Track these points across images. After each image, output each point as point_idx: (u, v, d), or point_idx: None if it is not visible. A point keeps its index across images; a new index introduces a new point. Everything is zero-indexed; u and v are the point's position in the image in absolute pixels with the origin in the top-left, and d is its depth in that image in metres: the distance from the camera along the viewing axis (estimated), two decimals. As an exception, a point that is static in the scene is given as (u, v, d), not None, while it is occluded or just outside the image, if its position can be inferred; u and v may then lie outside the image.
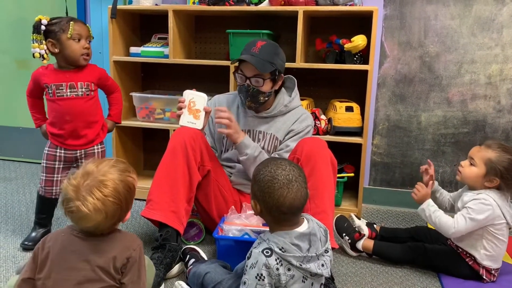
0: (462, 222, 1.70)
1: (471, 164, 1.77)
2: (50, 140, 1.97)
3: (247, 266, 1.25)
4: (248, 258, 1.26)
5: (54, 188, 1.98)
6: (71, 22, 1.86)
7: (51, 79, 1.90)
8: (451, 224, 1.72)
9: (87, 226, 1.12)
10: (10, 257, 1.88)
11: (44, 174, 1.97)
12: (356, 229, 2.03)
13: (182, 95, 1.89)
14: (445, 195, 1.96)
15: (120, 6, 2.50)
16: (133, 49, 2.58)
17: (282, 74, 1.97)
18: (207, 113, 1.88)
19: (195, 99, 1.86)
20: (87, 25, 1.93)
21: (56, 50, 1.87)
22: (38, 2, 3.05)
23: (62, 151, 1.95)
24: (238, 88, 1.97)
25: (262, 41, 1.90)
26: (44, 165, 1.97)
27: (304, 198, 1.27)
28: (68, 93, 1.90)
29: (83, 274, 1.13)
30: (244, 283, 1.24)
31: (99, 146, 2.03)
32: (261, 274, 1.21)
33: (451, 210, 1.90)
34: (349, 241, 1.94)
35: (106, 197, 1.10)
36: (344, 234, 1.96)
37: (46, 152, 1.97)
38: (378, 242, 1.93)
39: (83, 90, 1.92)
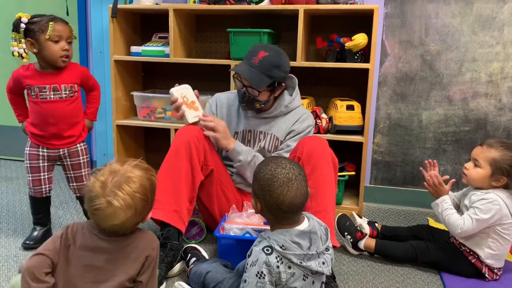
0: (469, 223, 1.70)
1: (476, 166, 1.75)
2: (30, 139, 1.94)
3: (247, 264, 1.25)
4: (249, 256, 1.26)
5: (43, 186, 1.96)
6: (50, 23, 1.79)
7: (34, 81, 1.85)
8: (458, 224, 1.72)
9: (114, 223, 1.11)
10: (12, 256, 1.88)
11: (30, 175, 1.94)
12: (358, 227, 2.03)
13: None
14: (450, 195, 1.95)
15: (120, 6, 2.50)
16: (133, 49, 2.58)
17: (283, 83, 1.96)
18: (198, 97, 1.91)
19: (184, 92, 1.88)
20: (69, 25, 1.88)
21: (34, 50, 1.82)
22: (39, 2, 3.05)
23: (45, 150, 1.93)
24: (237, 90, 1.98)
25: (265, 51, 1.85)
26: (28, 165, 1.93)
27: (304, 196, 1.27)
28: (52, 96, 1.86)
29: (102, 273, 1.13)
30: (245, 281, 1.24)
31: (82, 144, 2.01)
32: (262, 272, 1.21)
33: (456, 209, 1.89)
34: (351, 240, 1.94)
35: (135, 192, 1.11)
36: (346, 233, 1.96)
37: (27, 152, 1.94)
38: (380, 241, 1.93)
39: (67, 92, 1.88)
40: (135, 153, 2.85)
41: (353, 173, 2.44)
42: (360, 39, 2.22)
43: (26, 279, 1.08)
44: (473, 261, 1.75)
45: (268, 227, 1.35)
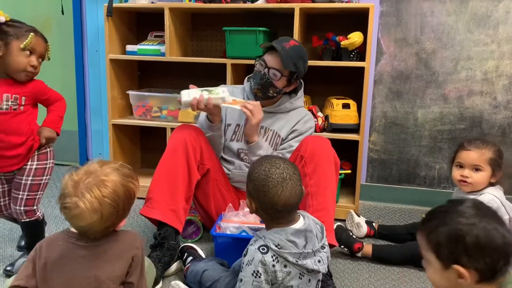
0: None
1: (478, 170, 1.74)
2: None
3: (243, 263, 1.25)
4: (245, 255, 1.27)
5: (4, 212, 1.77)
6: (31, 33, 1.64)
7: None
8: None
9: (80, 225, 1.08)
10: (7, 257, 1.87)
11: None
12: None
13: (178, 93, 1.83)
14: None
15: (116, 4, 2.50)
16: (129, 47, 2.57)
17: (298, 81, 1.99)
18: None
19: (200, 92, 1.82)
20: (48, 44, 1.71)
21: None
22: (34, 1, 3.03)
23: (1, 174, 1.70)
24: (252, 75, 1.97)
25: (295, 41, 1.93)
26: None
27: (299, 195, 1.28)
28: (4, 107, 1.61)
29: (87, 281, 1.10)
30: (241, 280, 1.24)
31: (33, 163, 1.71)
32: (257, 271, 1.22)
33: None
34: (347, 251, 1.92)
35: (104, 197, 1.07)
36: (342, 246, 1.93)
37: None
38: (377, 246, 1.91)
39: (9, 103, 1.62)
40: (131, 152, 2.85)
41: (349, 171, 2.45)
42: (355, 37, 2.22)
43: None
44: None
45: (264, 226, 1.35)
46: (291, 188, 1.26)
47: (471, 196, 1.75)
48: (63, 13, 2.92)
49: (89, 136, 3.09)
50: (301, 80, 2.06)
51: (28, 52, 1.62)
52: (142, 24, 2.78)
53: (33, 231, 1.76)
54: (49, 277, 1.11)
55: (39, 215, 1.74)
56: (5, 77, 1.64)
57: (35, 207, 1.72)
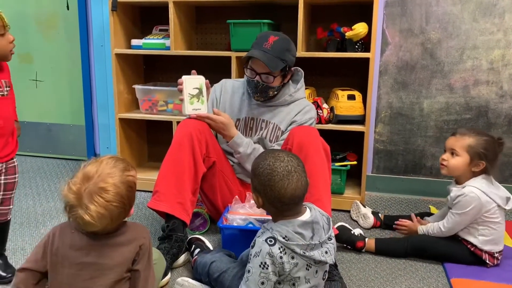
0: (451, 220, 1.78)
1: (454, 155, 1.79)
2: None
3: (251, 254, 1.27)
4: (252, 246, 1.28)
5: None
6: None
7: None
8: (439, 228, 1.82)
9: (93, 230, 1.12)
10: (19, 249, 1.91)
11: None
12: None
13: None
14: (438, 215, 1.99)
15: (120, -1, 2.50)
16: (134, 42, 2.58)
17: (292, 69, 1.97)
18: (208, 89, 1.90)
19: (194, 83, 1.85)
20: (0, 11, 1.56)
21: None
22: (39, -4, 3.05)
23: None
24: (247, 81, 1.97)
25: (275, 36, 1.88)
26: None
27: (304, 187, 1.29)
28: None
29: (96, 268, 1.14)
30: (248, 271, 1.26)
31: (15, 158, 1.66)
32: (265, 263, 1.23)
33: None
34: (349, 248, 1.93)
35: (109, 202, 1.09)
36: (344, 245, 1.93)
37: None
38: (379, 240, 1.91)
39: (8, 89, 1.62)
40: (137, 145, 2.87)
41: (355, 162, 2.45)
42: (360, 28, 2.22)
43: None
44: (472, 249, 1.77)
45: (270, 217, 1.36)
46: (297, 181, 1.27)
47: (455, 188, 1.81)
48: (68, 9, 2.94)
49: (96, 131, 3.12)
50: (300, 69, 2.05)
51: (2, 32, 1.55)
52: (146, 18, 2.79)
53: (4, 237, 1.71)
54: (60, 263, 1.15)
55: None
56: None
57: None
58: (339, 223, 1.99)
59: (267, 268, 1.23)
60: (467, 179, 1.79)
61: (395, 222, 2.04)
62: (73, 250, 1.15)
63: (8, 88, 1.62)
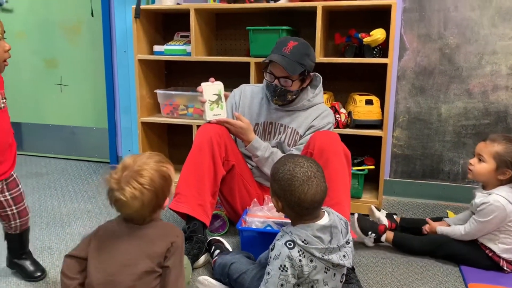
0: (473, 226, 1.77)
1: (480, 161, 1.79)
2: None
3: (270, 257, 1.31)
4: (272, 249, 1.32)
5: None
6: None
7: None
8: (459, 230, 1.82)
9: (128, 212, 1.23)
10: (46, 248, 1.98)
11: None
12: (377, 221, 2.05)
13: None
14: (459, 217, 1.99)
15: (143, 6, 2.57)
16: (156, 48, 2.65)
17: (311, 73, 2.01)
18: (226, 98, 1.95)
19: (213, 90, 1.90)
20: None
21: None
22: (64, 3, 3.15)
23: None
24: (266, 85, 2.02)
25: (294, 41, 1.91)
26: None
27: (324, 192, 1.32)
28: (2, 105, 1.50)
29: (128, 257, 1.23)
30: (268, 273, 1.30)
31: (15, 171, 1.62)
32: (284, 266, 1.27)
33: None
34: (375, 236, 1.96)
35: (142, 185, 1.20)
36: (370, 232, 1.96)
37: None
38: (398, 234, 1.96)
39: (4, 100, 1.52)
40: (158, 148, 2.93)
41: (373, 167, 2.47)
42: (378, 34, 2.24)
43: (62, 278, 1.26)
44: (490, 254, 1.78)
45: (289, 220, 1.40)
46: (317, 186, 1.30)
47: (480, 194, 1.81)
48: (92, 16, 3.03)
49: (118, 134, 3.20)
50: (319, 75, 2.08)
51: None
52: (168, 25, 2.86)
53: (26, 239, 1.73)
54: (99, 249, 1.26)
55: None
56: None
57: None
58: (357, 214, 2.03)
59: (286, 271, 1.27)
60: (493, 186, 1.78)
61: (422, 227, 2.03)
62: (112, 238, 1.26)
63: (4, 100, 1.55)
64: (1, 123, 1.52)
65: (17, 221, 1.65)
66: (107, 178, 1.23)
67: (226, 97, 1.95)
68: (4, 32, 1.46)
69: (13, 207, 1.62)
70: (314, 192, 1.29)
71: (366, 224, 1.98)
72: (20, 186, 1.64)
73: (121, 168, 1.24)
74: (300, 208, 1.31)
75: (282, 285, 1.27)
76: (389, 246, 1.98)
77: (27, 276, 1.70)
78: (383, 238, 1.95)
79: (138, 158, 1.27)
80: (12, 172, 1.61)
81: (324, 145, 1.81)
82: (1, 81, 1.55)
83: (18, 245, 1.71)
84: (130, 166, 1.24)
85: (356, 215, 2.00)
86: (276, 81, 1.93)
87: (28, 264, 1.72)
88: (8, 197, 1.60)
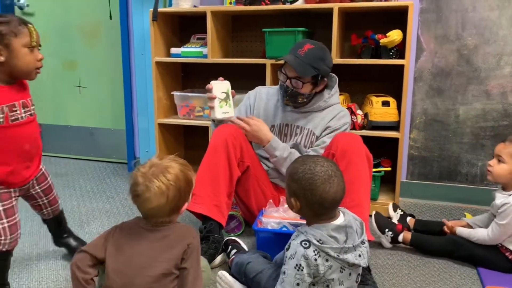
0: (496, 230, 1.75)
1: (500, 162, 1.77)
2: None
3: (286, 256, 1.32)
4: (287, 249, 1.33)
5: (18, 231, 1.56)
6: (29, 25, 1.44)
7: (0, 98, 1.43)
8: (484, 236, 1.78)
9: (150, 207, 1.25)
10: (61, 249, 2.01)
11: (5, 220, 1.50)
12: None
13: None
14: (479, 219, 1.97)
15: (160, 9, 2.61)
16: (173, 50, 2.69)
17: (326, 79, 2.00)
18: (233, 97, 1.96)
19: (222, 88, 1.92)
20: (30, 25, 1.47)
21: (1, 58, 1.40)
22: (83, 6, 3.21)
23: (17, 189, 1.58)
24: (279, 84, 2.03)
25: (311, 44, 1.92)
26: (1, 208, 1.50)
27: (343, 191, 1.33)
28: (23, 115, 1.49)
29: (146, 259, 1.25)
30: (284, 272, 1.30)
31: (42, 164, 1.70)
32: (300, 265, 1.27)
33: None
34: (392, 235, 1.95)
35: (169, 181, 1.25)
36: (386, 230, 1.96)
37: None
38: (416, 234, 1.95)
39: (34, 108, 1.55)
40: (175, 150, 2.96)
41: (389, 168, 2.46)
42: (395, 35, 2.23)
43: (73, 269, 1.29)
44: (510, 257, 1.75)
45: (304, 221, 1.40)
46: (337, 185, 1.30)
47: (499, 195, 1.78)
48: (111, 18, 3.08)
49: (136, 135, 3.24)
50: (335, 75, 2.08)
51: (32, 47, 1.45)
52: (185, 27, 2.89)
53: (62, 221, 1.90)
54: (118, 251, 1.28)
55: None
56: (12, 83, 1.47)
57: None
58: (374, 212, 2.02)
59: (302, 270, 1.27)
60: None
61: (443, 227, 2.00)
62: (130, 240, 1.28)
63: (33, 107, 1.57)
64: (32, 130, 1.57)
65: (48, 208, 1.79)
66: (134, 172, 1.27)
67: (233, 95, 1.97)
68: (36, 41, 1.47)
69: (43, 198, 1.74)
70: (335, 190, 1.30)
71: (384, 222, 1.97)
72: (48, 179, 1.75)
73: (149, 165, 1.29)
74: (321, 207, 1.31)
75: (298, 284, 1.28)
76: (405, 247, 1.97)
77: (72, 251, 1.83)
78: (400, 237, 1.94)
79: (164, 158, 1.32)
80: (41, 167, 1.70)
81: (347, 146, 1.81)
82: (28, 87, 1.59)
83: (57, 227, 1.88)
84: (158, 163, 1.28)
85: (374, 212, 1.99)
86: (288, 82, 1.94)
87: (71, 241, 1.89)
88: (38, 190, 1.71)
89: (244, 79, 2.76)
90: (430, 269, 1.83)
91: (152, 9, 2.59)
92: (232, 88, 1.97)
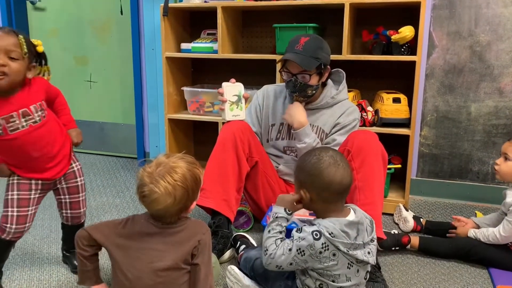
0: (508, 228, 1.72)
1: (506, 160, 1.76)
2: (18, 174, 1.56)
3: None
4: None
5: (27, 224, 1.56)
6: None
7: None
8: (496, 235, 1.76)
9: (158, 208, 1.23)
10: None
11: (16, 209, 1.52)
12: (403, 222, 2.02)
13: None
14: (487, 218, 1.95)
15: (171, 4, 2.61)
16: (184, 45, 2.69)
17: (328, 66, 2.00)
18: (246, 99, 1.96)
19: (233, 91, 1.92)
20: (15, 37, 1.40)
21: None
22: (94, 2, 3.23)
23: (39, 180, 1.58)
24: (285, 83, 2.02)
25: (305, 37, 1.92)
26: (15, 197, 1.53)
27: (351, 178, 1.34)
28: (25, 124, 1.46)
29: (156, 254, 1.25)
30: (290, 249, 1.31)
31: (78, 163, 1.70)
32: (303, 251, 1.29)
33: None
34: (398, 248, 1.93)
35: (176, 181, 1.22)
36: (393, 248, 1.92)
37: (13, 182, 1.55)
38: (424, 238, 1.92)
39: (39, 113, 1.50)
40: (184, 145, 2.97)
41: (399, 166, 2.44)
42: (406, 31, 2.21)
43: (75, 244, 1.34)
44: (521, 257, 1.74)
45: (313, 218, 1.40)
46: (343, 169, 1.32)
47: (510, 193, 1.76)
48: (122, 14, 3.09)
49: (146, 130, 3.26)
50: (342, 71, 2.07)
51: None
52: (195, 22, 2.89)
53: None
54: (128, 245, 1.28)
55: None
56: (10, 92, 1.44)
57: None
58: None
59: (302, 255, 1.29)
60: None
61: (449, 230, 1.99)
62: (141, 235, 1.28)
63: (40, 113, 1.51)
64: (39, 137, 1.51)
65: (68, 211, 1.71)
66: (140, 172, 1.25)
67: (246, 98, 1.96)
68: (26, 52, 1.43)
69: (66, 196, 1.69)
70: (342, 174, 1.31)
71: (388, 242, 1.92)
72: (78, 179, 1.69)
73: (155, 164, 1.26)
74: (329, 192, 1.31)
75: (291, 263, 1.31)
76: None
77: (73, 268, 1.77)
78: (408, 246, 1.92)
79: (171, 157, 1.29)
80: (74, 165, 1.67)
81: (363, 143, 1.80)
82: (37, 89, 1.53)
83: (69, 238, 1.75)
84: (165, 162, 1.25)
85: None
86: (294, 78, 1.93)
87: (73, 259, 1.77)
88: (64, 185, 1.67)
89: (254, 75, 2.76)
90: (440, 268, 1.82)
91: (162, 4, 2.59)
92: (242, 83, 1.96)
